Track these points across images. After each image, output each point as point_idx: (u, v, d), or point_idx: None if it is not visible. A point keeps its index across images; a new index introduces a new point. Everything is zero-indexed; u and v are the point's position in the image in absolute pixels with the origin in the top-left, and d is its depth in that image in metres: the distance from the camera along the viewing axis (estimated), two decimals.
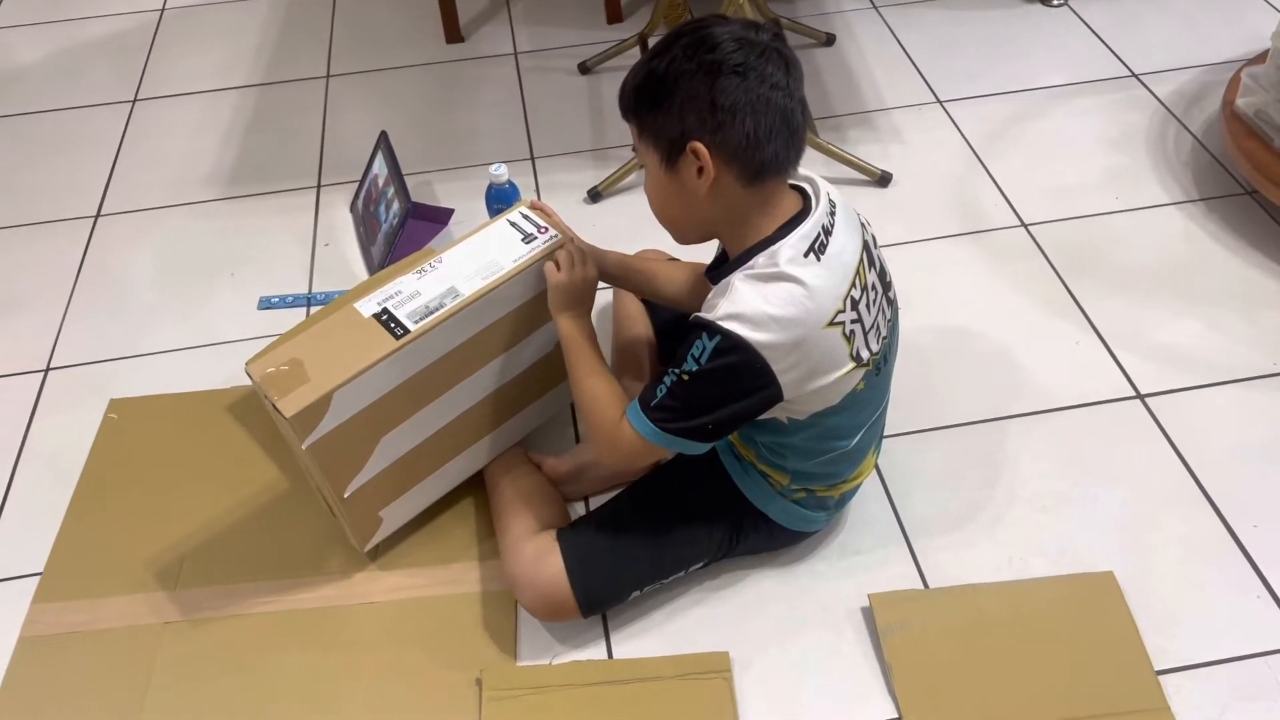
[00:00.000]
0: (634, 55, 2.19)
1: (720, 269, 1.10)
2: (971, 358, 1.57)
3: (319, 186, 1.99)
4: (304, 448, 1.14)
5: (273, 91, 2.27)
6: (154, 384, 1.61)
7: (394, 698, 1.22)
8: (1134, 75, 2.11)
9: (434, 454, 1.30)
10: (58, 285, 1.81)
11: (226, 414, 1.55)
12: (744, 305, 1.01)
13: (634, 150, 1.10)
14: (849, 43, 2.28)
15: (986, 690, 1.18)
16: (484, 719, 1.18)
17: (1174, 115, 2.00)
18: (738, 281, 1.03)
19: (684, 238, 1.14)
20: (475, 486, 1.40)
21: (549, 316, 1.24)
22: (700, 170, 1.02)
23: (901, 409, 1.40)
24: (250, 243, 1.87)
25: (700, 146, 1.00)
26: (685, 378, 1.04)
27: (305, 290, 1.76)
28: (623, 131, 1.41)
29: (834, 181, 1.15)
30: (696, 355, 1.03)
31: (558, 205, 1.40)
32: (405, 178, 1.80)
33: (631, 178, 1.90)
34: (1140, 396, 1.49)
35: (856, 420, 1.16)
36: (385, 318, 1.18)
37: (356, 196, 1.92)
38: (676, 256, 1.42)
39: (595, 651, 1.25)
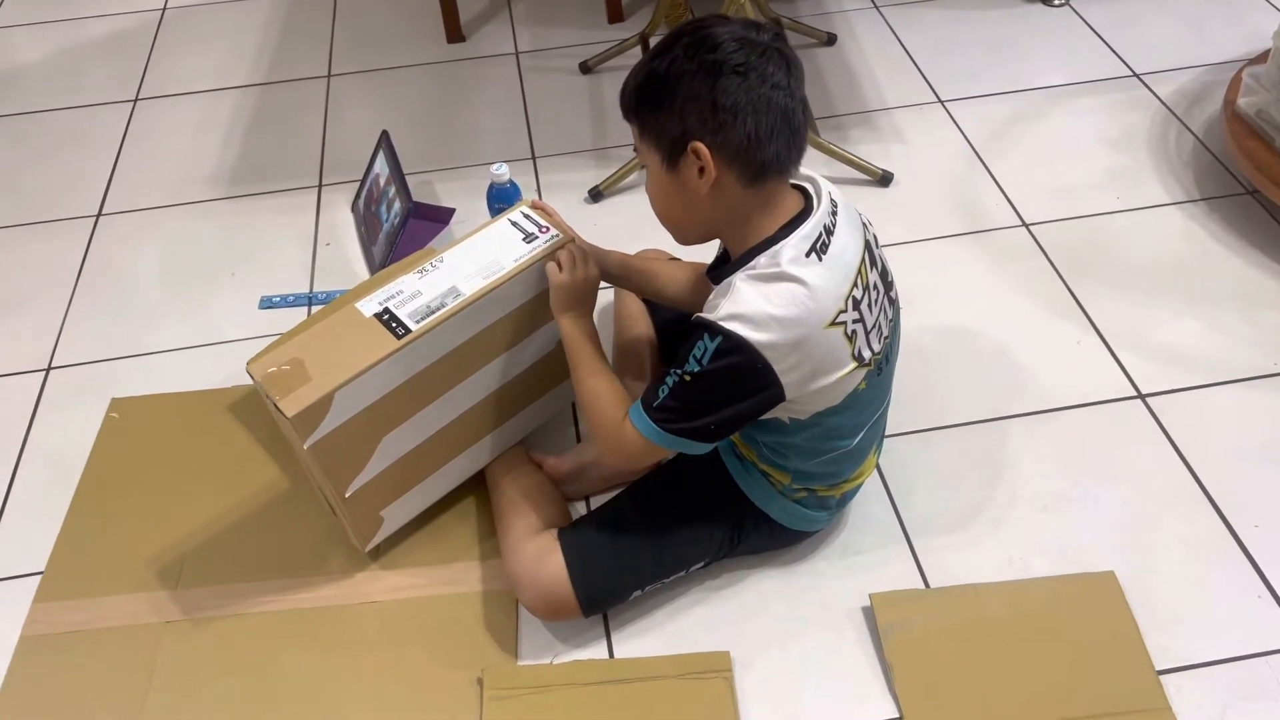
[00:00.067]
0: (635, 55, 2.19)
1: (722, 269, 1.10)
2: (973, 357, 1.57)
3: (320, 186, 1.99)
4: (305, 447, 1.14)
5: (274, 91, 2.27)
6: (155, 383, 1.61)
7: (395, 697, 1.22)
8: (1135, 75, 2.11)
9: (435, 453, 1.30)
10: (59, 285, 1.81)
11: (228, 413, 1.55)
12: (745, 305, 1.01)
13: (635, 150, 1.10)
14: (850, 42, 2.28)
15: (988, 690, 1.18)
16: (485, 718, 1.18)
17: (1175, 115, 2.00)
18: (739, 282, 1.03)
19: (685, 238, 1.14)
20: (476, 486, 1.41)
21: (550, 316, 1.24)
22: (701, 170, 1.02)
23: (903, 409, 1.40)
24: (252, 242, 1.87)
25: (701, 147, 1.00)
26: (687, 379, 1.04)
27: (306, 290, 1.76)
28: (624, 131, 1.41)
29: (835, 181, 1.15)
30: (698, 356, 1.03)
31: (559, 205, 1.40)
32: (406, 177, 1.80)
33: (632, 177, 1.90)
34: (1141, 396, 1.49)
35: (858, 420, 1.16)
36: (387, 317, 1.18)
37: (358, 196, 1.93)
38: (677, 256, 1.42)
39: (596, 651, 1.25)
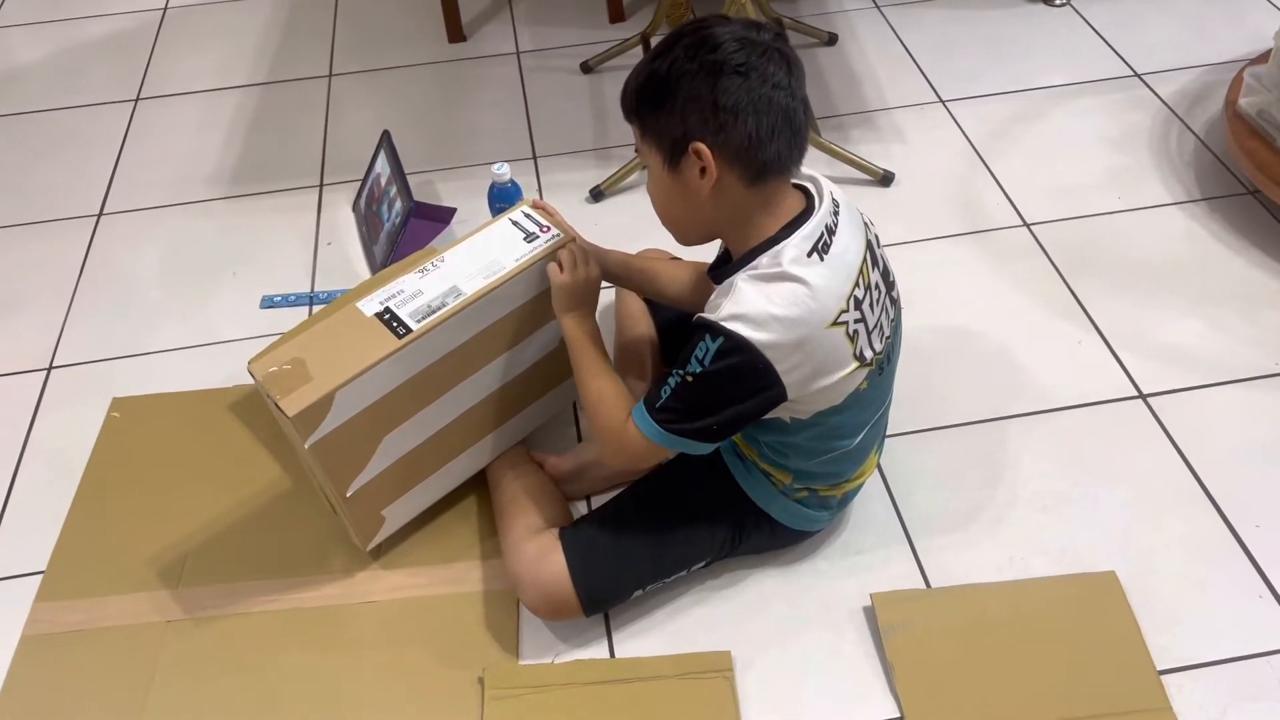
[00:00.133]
0: (636, 55, 2.19)
1: (723, 269, 1.10)
2: (973, 357, 1.57)
3: (321, 185, 1.99)
4: (306, 447, 1.14)
5: (275, 91, 2.27)
6: (156, 383, 1.61)
7: (396, 696, 1.22)
8: (1136, 75, 2.11)
9: (436, 453, 1.30)
10: (60, 284, 1.81)
11: (229, 413, 1.55)
12: (747, 305, 1.01)
13: (636, 150, 1.10)
14: (851, 42, 2.28)
15: (988, 690, 1.18)
16: (486, 718, 1.18)
17: (1176, 115, 2.00)
18: (741, 282, 1.03)
19: (687, 238, 1.14)
20: (477, 485, 1.41)
21: (551, 315, 1.24)
22: (703, 171, 1.02)
23: (904, 408, 1.40)
24: (252, 242, 1.87)
25: (703, 147, 1.00)
26: (689, 379, 1.04)
27: (307, 289, 1.76)
28: (625, 131, 1.41)
29: (836, 181, 1.15)
30: (700, 357, 1.03)
31: (560, 204, 1.40)
32: (408, 177, 1.80)
33: (633, 177, 1.90)
34: (1142, 396, 1.49)
35: (859, 419, 1.16)
36: (387, 317, 1.18)
37: (359, 195, 1.93)
38: (679, 256, 1.42)
39: (597, 650, 1.25)
